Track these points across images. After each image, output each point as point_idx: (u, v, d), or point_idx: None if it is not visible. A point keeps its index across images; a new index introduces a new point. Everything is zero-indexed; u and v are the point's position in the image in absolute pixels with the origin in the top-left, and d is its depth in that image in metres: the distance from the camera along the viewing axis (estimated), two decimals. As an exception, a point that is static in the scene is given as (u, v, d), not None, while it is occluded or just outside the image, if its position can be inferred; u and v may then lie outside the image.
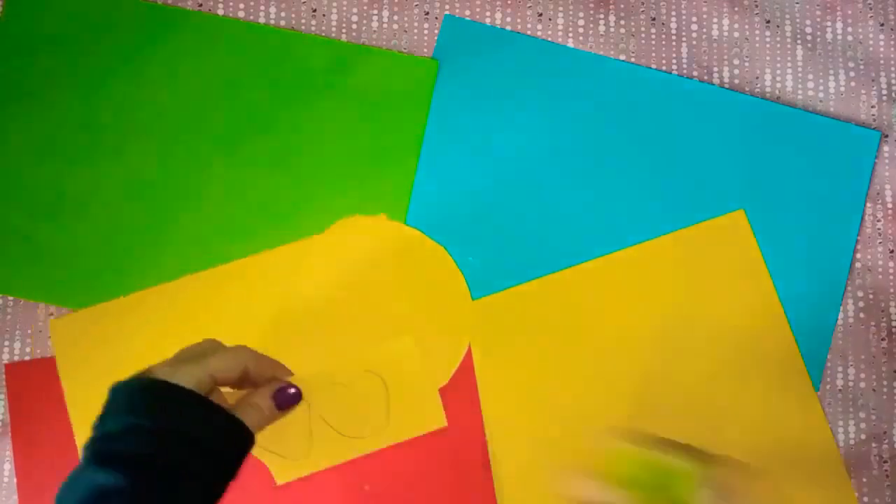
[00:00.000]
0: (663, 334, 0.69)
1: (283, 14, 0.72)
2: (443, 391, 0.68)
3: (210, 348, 0.56)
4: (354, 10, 0.72)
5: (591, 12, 0.72)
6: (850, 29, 0.73)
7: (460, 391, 0.68)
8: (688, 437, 0.67)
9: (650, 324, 0.69)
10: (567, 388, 0.69)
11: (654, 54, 0.72)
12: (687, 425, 0.68)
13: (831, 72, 0.72)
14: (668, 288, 0.70)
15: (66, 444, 0.68)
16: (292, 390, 0.59)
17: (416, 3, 0.72)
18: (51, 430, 0.68)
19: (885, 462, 0.69)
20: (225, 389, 0.57)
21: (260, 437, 0.56)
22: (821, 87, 0.72)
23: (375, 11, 0.72)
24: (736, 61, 0.72)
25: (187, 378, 0.53)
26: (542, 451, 0.68)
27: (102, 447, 0.51)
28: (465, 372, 0.69)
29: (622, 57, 0.72)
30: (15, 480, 0.68)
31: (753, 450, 0.68)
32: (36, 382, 0.68)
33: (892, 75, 0.72)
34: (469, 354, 0.69)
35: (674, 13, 0.72)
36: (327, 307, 0.69)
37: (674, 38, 0.72)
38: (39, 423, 0.68)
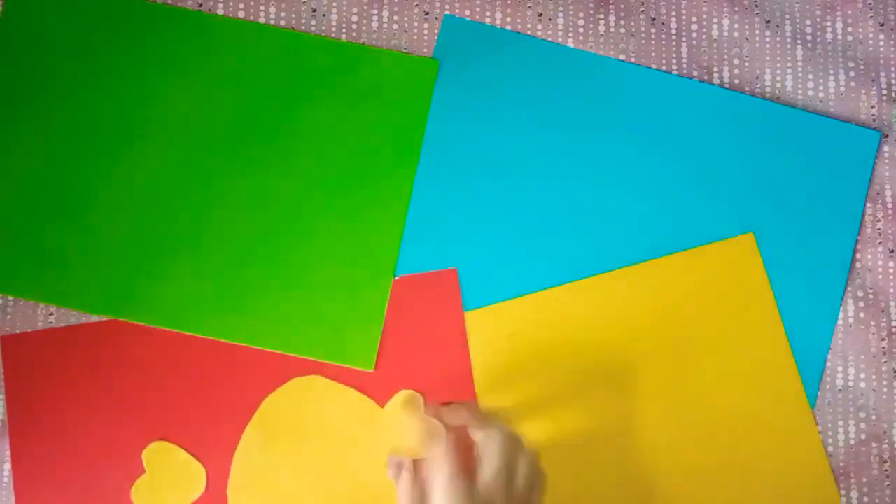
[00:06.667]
0: (663, 353, 0.69)
1: (283, 14, 0.72)
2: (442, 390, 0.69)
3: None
4: (354, 10, 0.72)
5: (591, 12, 0.72)
6: (850, 29, 0.73)
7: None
8: (683, 454, 0.68)
9: (650, 342, 0.69)
10: (565, 402, 0.69)
11: (654, 54, 0.72)
12: (682, 443, 0.69)
13: (831, 72, 0.72)
14: (671, 308, 0.69)
15: (63, 435, 0.68)
16: None
17: (416, 3, 0.72)
18: (48, 416, 0.68)
19: (885, 462, 0.69)
20: None
21: None
22: (821, 87, 0.72)
23: (375, 11, 0.72)
24: (736, 61, 0.72)
25: None
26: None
27: None
28: (465, 383, 0.69)
29: (622, 57, 0.72)
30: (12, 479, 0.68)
31: (749, 476, 0.68)
32: (36, 357, 0.68)
33: (892, 75, 0.72)
34: (469, 369, 0.69)
35: (674, 13, 0.72)
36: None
37: (674, 38, 0.72)
38: (37, 404, 0.68)
